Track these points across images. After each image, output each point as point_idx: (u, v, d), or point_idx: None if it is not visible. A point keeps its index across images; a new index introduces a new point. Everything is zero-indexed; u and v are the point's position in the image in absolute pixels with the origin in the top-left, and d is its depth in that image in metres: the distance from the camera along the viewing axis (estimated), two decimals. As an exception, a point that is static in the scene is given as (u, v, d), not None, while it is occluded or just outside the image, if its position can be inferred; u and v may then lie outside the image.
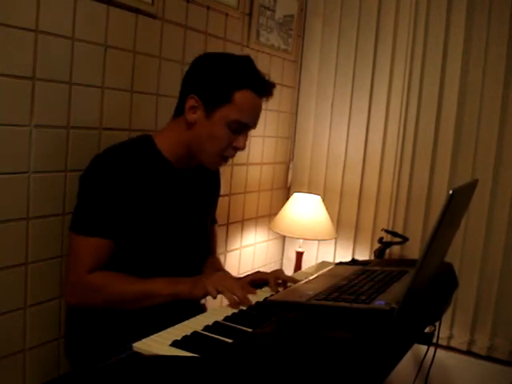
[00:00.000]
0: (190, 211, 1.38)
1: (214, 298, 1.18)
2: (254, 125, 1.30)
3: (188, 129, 1.29)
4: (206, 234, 1.49)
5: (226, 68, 1.26)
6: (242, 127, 1.27)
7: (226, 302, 1.16)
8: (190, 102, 1.26)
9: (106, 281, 1.20)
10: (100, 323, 1.27)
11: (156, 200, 1.27)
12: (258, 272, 1.42)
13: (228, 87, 1.23)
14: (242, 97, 1.24)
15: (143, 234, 1.26)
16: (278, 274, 1.38)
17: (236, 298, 1.15)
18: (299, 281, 1.34)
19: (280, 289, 1.33)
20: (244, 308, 1.13)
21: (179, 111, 1.31)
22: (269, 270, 1.44)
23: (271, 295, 1.23)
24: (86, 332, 1.32)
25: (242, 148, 1.29)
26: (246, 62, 1.28)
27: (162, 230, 1.30)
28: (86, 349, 1.32)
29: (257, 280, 1.35)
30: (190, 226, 1.38)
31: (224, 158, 1.32)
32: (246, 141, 1.29)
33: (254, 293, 1.22)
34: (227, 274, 1.43)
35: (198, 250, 1.45)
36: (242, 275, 1.47)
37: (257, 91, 1.26)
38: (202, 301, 1.35)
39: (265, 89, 1.28)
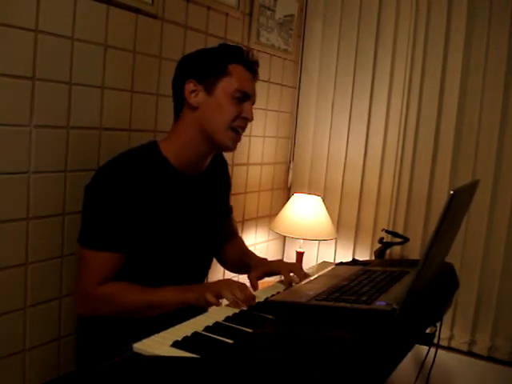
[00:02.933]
0: (200, 218, 1.37)
1: (217, 305, 1.17)
2: (253, 96, 1.33)
3: (193, 116, 1.29)
4: (215, 238, 1.48)
5: (216, 48, 1.33)
6: (245, 96, 1.30)
7: (226, 301, 1.16)
8: (189, 87, 1.28)
9: (117, 292, 1.20)
10: (101, 323, 1.27)
11: (165, 210, 1.27)
12: (269, 263, 1.44)
13: (222, 60, 1.29)
14: (236, 69, 1.29)
15: (154, 244, 1.26)
16: (294, 269, 1.37)
17: (237, 298, 1.13)
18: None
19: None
20: (245, 308, 1.13)
21: (178, 113, 1.32)
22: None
23: (272, 295, 1.23)
24: (88, 332, 1.31)
25: (250, 118, 1.31)
26: (230, 45, 1.36)
27: (173, 239, 1.29)
28: (88, 348, 1.31)
29: (269, 273, 1.40)
30: (200, 233, 1.38)
31: (237, 132, 1.31)
32: (252, 110, 1.32)
33: (253, 301, 1.18)
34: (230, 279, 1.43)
35: (208, 255, 1.45)
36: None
37: (247, 66, 1.32)
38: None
39: (253, 64, 1.34)
